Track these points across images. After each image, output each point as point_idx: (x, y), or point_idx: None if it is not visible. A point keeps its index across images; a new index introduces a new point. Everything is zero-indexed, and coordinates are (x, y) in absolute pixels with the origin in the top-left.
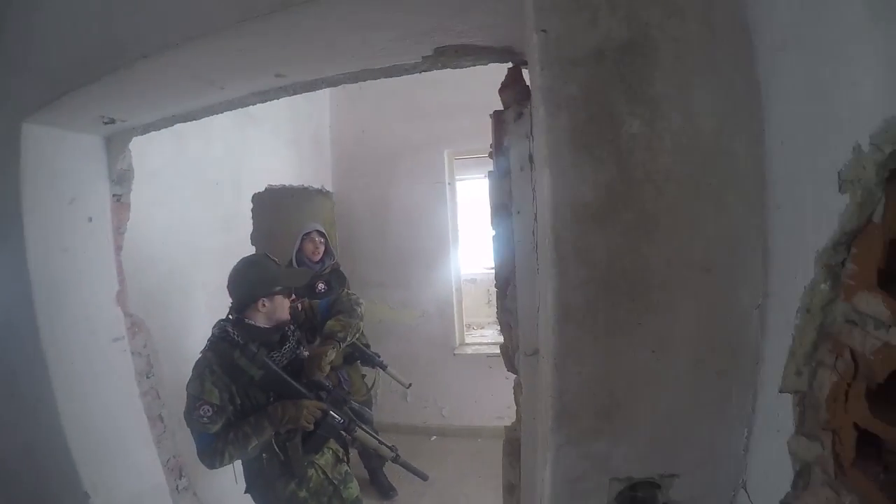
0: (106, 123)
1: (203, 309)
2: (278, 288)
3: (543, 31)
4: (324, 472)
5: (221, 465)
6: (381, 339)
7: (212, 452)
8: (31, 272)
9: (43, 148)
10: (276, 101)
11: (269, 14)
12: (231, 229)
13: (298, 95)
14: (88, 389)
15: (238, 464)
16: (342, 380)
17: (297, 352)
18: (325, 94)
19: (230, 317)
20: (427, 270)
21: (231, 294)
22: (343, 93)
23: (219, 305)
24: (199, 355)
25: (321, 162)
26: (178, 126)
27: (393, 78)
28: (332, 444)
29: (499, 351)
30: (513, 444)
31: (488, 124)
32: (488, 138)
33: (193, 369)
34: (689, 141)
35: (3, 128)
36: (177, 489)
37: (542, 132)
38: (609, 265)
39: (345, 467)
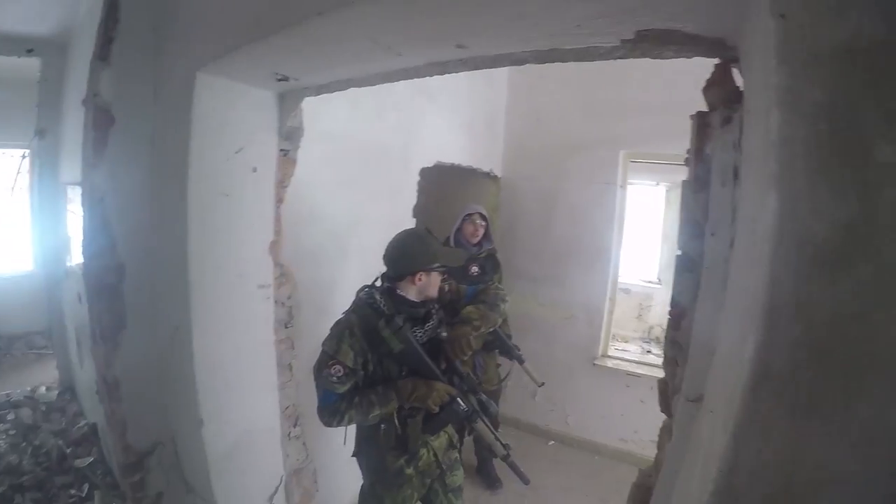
0: (279, 80)
1: (354, 272)
2: (436, 265)
3: (782, 15)
4: (435, 455)
5: (339, 425)
6: (523, 334)
7: (332, 411)
8: (188, 209)
9: (216, 97)
10: (453, 78)
11: None
12: (395, 199)
13: (476, 75)
14: (224, 326)
15: (351, 427)
16: (477, 366)
17: (438, 331)
18: (502, 77)
19: (378, 284)
20: (583, 272)
21: (388, 263)
22: (521, 78)
23: (370, 271)
24: (342, 316)
25: (493, 145)
26: (354, 92)
27: (573, 69)
28: (450, 428)
29: (639, 371)
30: (643, 491)
31: (668, 127)
32: (666, 142)
33: (333, 328)
34: None
35: (180, 75)
36: (288, 436)
37: (774, 143)
38: (830, 328)
39: (455, 454)
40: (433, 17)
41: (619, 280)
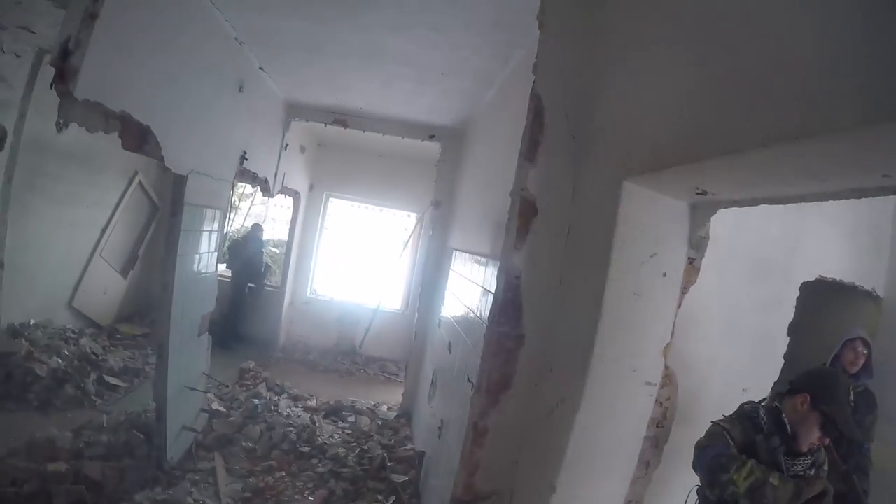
0: (697, 194)
1: (720, 382)
2: (823, 407)
3: None
4: None
5: (734, 476)
6: (882, 492)
7: (733, 457)
8: (604, 301)
9: (637, 204)
10: None
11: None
12: (771, 312)
13: None
14: (607, 411)
15: None
16: None
17: (809, 471)
18: None
19: (765, 404)
20: None
21: (791, 379)
22: None
23: (736, 386)
24: (720, 420)
25: (877, 260)
26: None
27: None
28: None
29: None
30: None
31: None
32: None
33: (710, 427)
34: None
35: (605, 181)
36: None
37: None
38: None
39: None
40: (872, 153)
41: None
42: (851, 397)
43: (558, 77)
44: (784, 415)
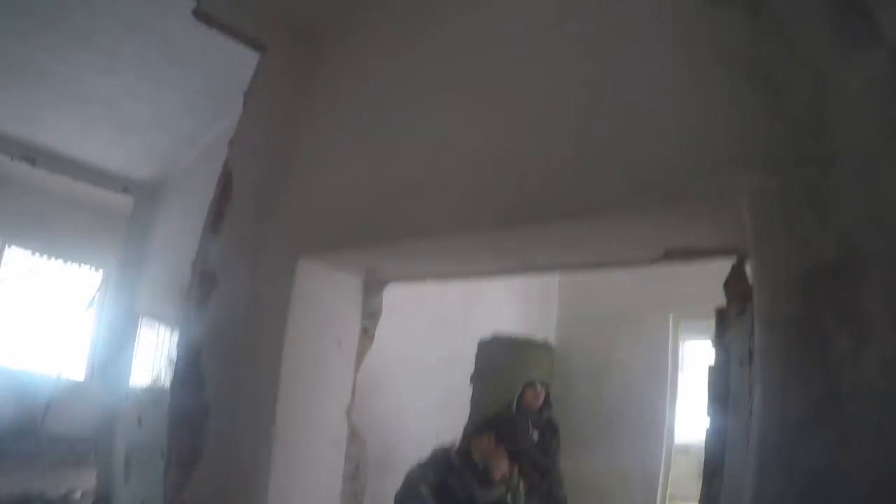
0: (369, 272)
1: (414, 432)
2: (510, 447)
3: (760, 252)
4: None
5: None
6: (579, 495)
7: None
8: (282, 370)
9: (312, 278)
10: None
11: (523, 225)
12: (453, 366)
13: None
14: (299, 473)
15: None
16: None
17: (505, 498)
18: None
19: (455, 446)
20: (638, 435)
21: (476, 422)
22: None
23: (429, 432)
24: (414, 467)
25: (546, 314)
26: None
27: None
28: None
29: None
30: None
31: (717, 286)
32: (718, 299)
33: (405, 478)
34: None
35: (283, 257)
36: None
37: (757, 347)
38: (809, 480)
39: None
40: (510, 244)
41: (677, 440)
42: (533, 430)
43: (252, 155)
44: (474, 454)
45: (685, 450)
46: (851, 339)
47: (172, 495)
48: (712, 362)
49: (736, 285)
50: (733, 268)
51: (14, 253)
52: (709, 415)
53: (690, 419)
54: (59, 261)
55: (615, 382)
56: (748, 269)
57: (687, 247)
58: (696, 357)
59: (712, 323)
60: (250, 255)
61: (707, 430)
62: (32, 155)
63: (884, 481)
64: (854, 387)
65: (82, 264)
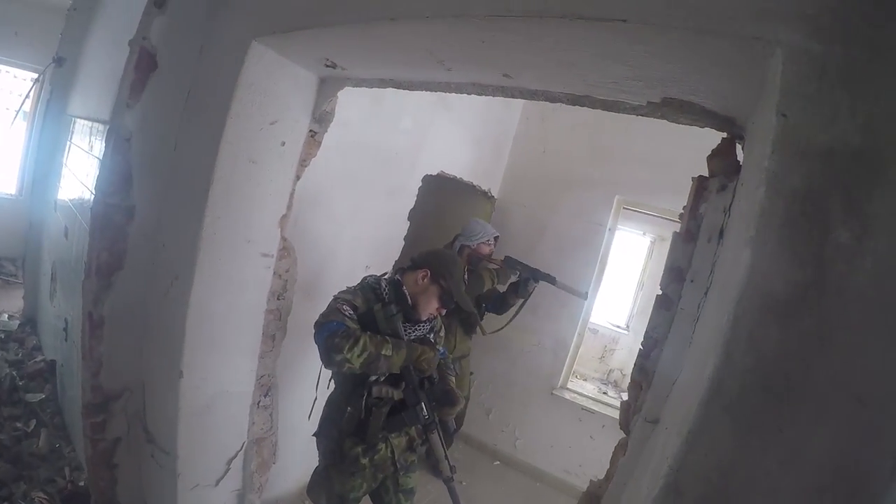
0: (326, 66)
1: (345, 258)
2: (442, 282)
3: (784, 115)
4: (392, 452)
5: (347, 355)
6: (491, 352)
7: (347, 335)
8: (216, 168)
9: (263, 67)
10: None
11: (521, 17)
12: (395, 198)
13: (496, 98)
14: (224, 285)
15: (317, 405)
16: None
17: (428, 336)
18: (518, 103)
19: (387, 276)
20: (558, 304)
21: (413, 255)
22: (535, 108)
23: (358, 263)
24: (342, 291)
25: (496, 167)
26: (378, 89)
27: (587, 110)
28: (411, 431)
29: (594, 407)
30: (592, 500)
31: (664, 182)
32: (660, 196)
33: (333, 299)
34: (890, 268)
35: (233, 39)
36: (257, 404)
37: (755, 214)
38: (775, 363)
39: (413, 457)
40: (491, 46)
41: (590, 319)
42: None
43: None
44: (405, 287)
45: (594, 330)
46: (851, 234)
47: (91, 307)
48: (678, 230)
49: (722, 160)
50: (724, 141)
51: None
52: (661, 286)
53: (604, 302)
54: None
55: (548, 248)
56: (739, 148)
57: (687, 100)
58: (623, 246)
59: (649, 217)
60: (196, 38)
61: (656, 299)
62: None
63: (852, 381)
64: (842, 282)
65: (14, 66)
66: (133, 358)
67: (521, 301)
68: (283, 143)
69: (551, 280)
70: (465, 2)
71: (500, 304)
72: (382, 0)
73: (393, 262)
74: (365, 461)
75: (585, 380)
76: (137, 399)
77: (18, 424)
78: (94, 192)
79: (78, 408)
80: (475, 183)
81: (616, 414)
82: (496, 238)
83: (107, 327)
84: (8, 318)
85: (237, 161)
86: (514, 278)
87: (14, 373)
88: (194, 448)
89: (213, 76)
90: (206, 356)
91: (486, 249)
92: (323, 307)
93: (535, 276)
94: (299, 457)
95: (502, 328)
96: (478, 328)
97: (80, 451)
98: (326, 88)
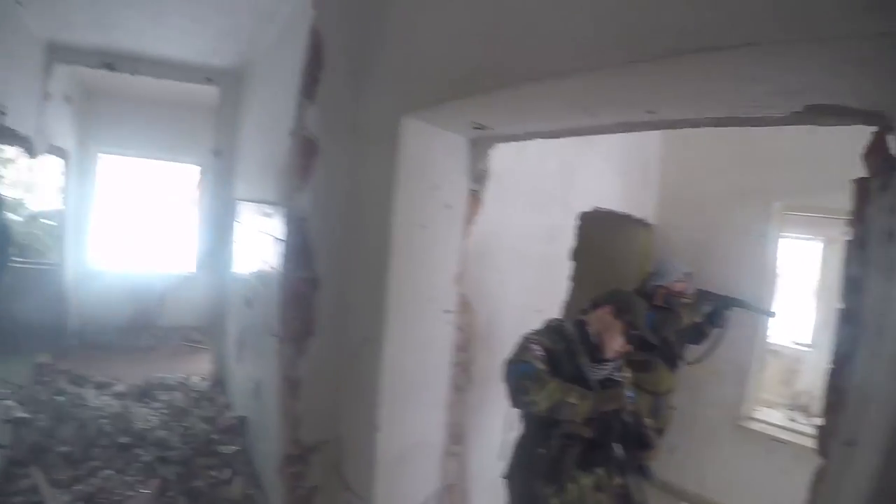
0: (475, 128)
1: (515, 305)
2: (629, 323)
3: None
4: (581, 492)
5: (535, 398)
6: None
7: (535, 378)
8: (392, 236)
9: (418, 139)
10: None
11: (657, 58)
12: (554, 240)
13: None
14: (412, 343)
15: (508, 448)
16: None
17: (614, 374)
18: None
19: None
20: (734, 328)
21: (593, 297)
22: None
23: (529, 308)
24: (530, 331)
25: (646, 193)
26: None
27: None
28: (600, 470)
29: (784, 436)
30: None
31: (825, 179)
32: (824, 195)
33: (523, 339)
34: None
35: (385, 117)
36: (447, 453)
37: None
38: None
39: (602, 497)
40: (634, 90)
41: (769, 340)
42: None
43: (338, 12)
44: (588, 326)
45: (774, 351)
46: None
47: (287, 371)
48: (850, 237)
49: (876, 157)
50: (875, 135)
51: (113, 160)
52: (842, 298)
53: (782, 319)
54: (158, 162)
55: (713, 267)
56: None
57: (830, 104)
58: (793, 255)
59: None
60: (347, 119)
61: (839, 313)
62: (110, 60)
63: None
64: None
65: (180, 161)
66: (328, 413)
67: (719, 330)
68: (449, 206)
69: (743, 304)
70: (601, 54)
71: (696, 335)
72: (523, 63)
73: (561, 304)
74: (556, 502)
75: (771, 407)
76: (334, 451)
77: (214, 473)
78: (278, 267)
79: (270, 458)
80: (630, 213)
81: (808, 442)
82: (687, 274)
83: (303, 387)
84: (200, 380)
85: (409, 227)
86: (708, 308)
87: (208, 428)
88: (388, 495)
89: (371, 153)
90: (400, 410)
91: (679, 287)
92: (499, 355)
93: (727, 303)
94: (488, 501)
95: (703, 359)
96: (678, 360)
97: (273, 497)
98: (478, 148)
